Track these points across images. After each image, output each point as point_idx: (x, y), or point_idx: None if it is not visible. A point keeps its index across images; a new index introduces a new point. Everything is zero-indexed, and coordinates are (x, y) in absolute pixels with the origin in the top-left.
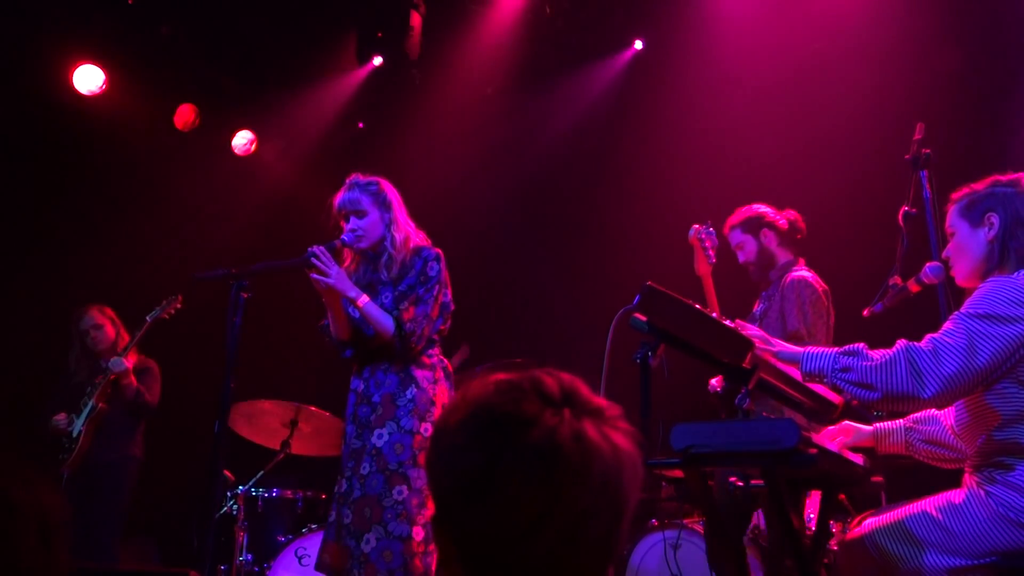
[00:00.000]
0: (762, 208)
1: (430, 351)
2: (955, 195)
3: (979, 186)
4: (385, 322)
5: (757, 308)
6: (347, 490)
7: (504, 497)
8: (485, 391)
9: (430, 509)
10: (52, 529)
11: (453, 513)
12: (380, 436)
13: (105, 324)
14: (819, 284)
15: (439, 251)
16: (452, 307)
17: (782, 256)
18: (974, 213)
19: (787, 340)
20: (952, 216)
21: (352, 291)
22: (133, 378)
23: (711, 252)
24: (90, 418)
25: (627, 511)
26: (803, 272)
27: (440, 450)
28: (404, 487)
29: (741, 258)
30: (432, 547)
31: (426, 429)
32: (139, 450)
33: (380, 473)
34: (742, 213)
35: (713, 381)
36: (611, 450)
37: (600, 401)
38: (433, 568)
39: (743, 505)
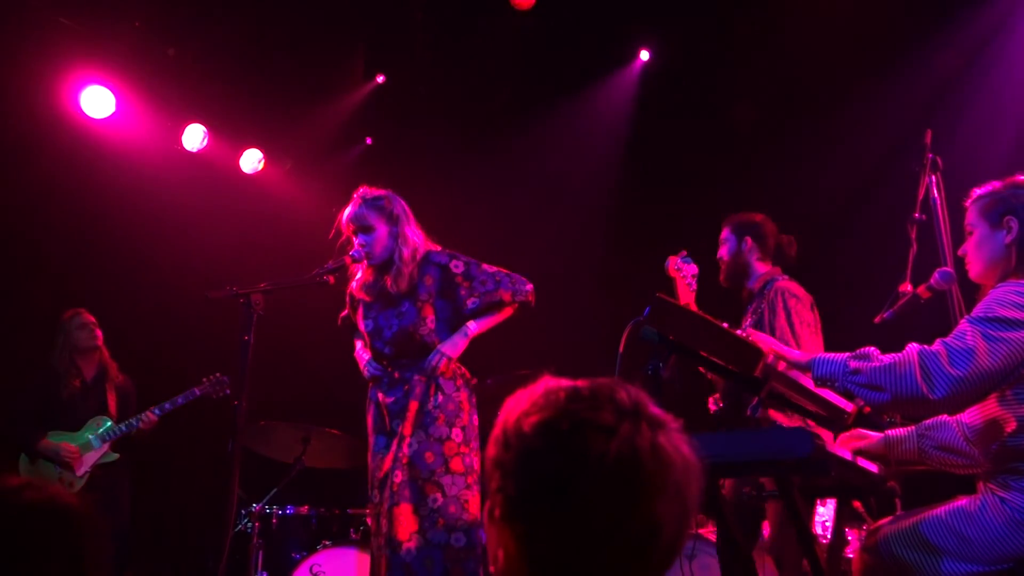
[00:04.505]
0: (759, 219)
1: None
2: (978, 191)
3: (1000, 186)
4: (494, 317)
5: (747, 322)
6: (380, 500)
7: (582, 503)
8: (558, 398)
9: (470, 514)
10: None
11: (523, 514)
12: (410, 446)
13: (95, 325)
14: (802, 292)
15: (449, 251)
16: None
17: (759, 268)
18: (994, 214)
19: None
20: (972, 214)
21: (461, 343)
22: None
23: (691, 281)
24: (99, 464)
25: (691, 520)
26: (786, 282)
27: (513, 452)
28: (439, 495)
29: (719, 252)
30: (474, 553)
31: (456, 435)
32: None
33: (412, 483)
34: (740, 215)
35: (711, 399)
36: (682, 460)
37: (664, 413)
38: (480, 573)
39: (752, 515)
